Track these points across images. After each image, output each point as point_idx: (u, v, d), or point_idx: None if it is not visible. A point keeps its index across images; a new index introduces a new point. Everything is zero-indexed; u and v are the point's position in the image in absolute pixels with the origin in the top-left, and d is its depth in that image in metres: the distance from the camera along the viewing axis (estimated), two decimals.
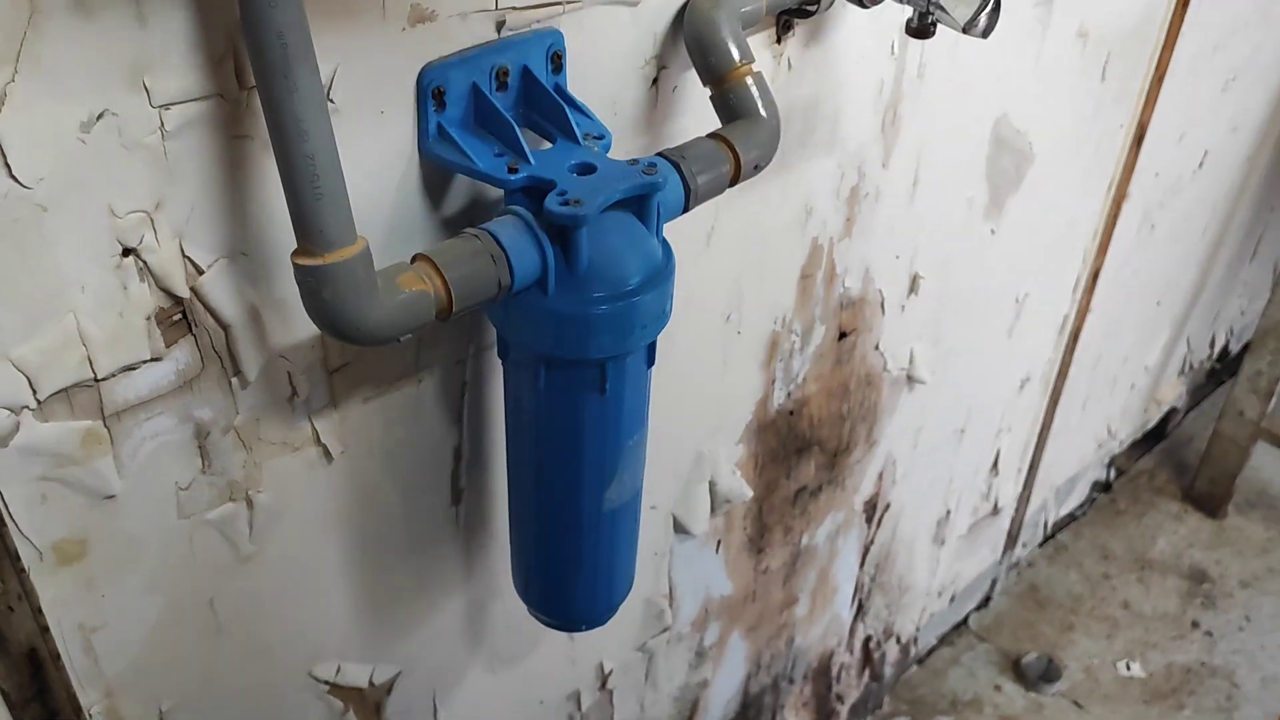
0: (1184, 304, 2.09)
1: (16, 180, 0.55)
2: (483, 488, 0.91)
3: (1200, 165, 1.76)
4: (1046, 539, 2.20)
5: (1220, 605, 2.10)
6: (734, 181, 0.78)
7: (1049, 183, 1.37)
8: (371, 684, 0.93)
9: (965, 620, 2.04)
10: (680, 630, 1.26)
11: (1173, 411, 2.41)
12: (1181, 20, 1.40)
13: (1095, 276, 1.66)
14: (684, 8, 0.79)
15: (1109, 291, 1.74)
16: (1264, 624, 2.07)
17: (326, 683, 0.89)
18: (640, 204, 0.71)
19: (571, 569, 0.84)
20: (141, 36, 0.56)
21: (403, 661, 0.94)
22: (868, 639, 1.71)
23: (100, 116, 0.56)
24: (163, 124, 0.58)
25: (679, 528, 1.15)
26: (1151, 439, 2.41)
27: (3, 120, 0.53)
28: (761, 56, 0.89)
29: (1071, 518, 2.26)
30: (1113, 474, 2.33)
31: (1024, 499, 1.95)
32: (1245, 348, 2.19)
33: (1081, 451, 2.09)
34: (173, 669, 0.77)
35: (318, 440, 0.76)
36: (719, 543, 1.23)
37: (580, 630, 0.90)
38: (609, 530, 0.82)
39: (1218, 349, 2.45)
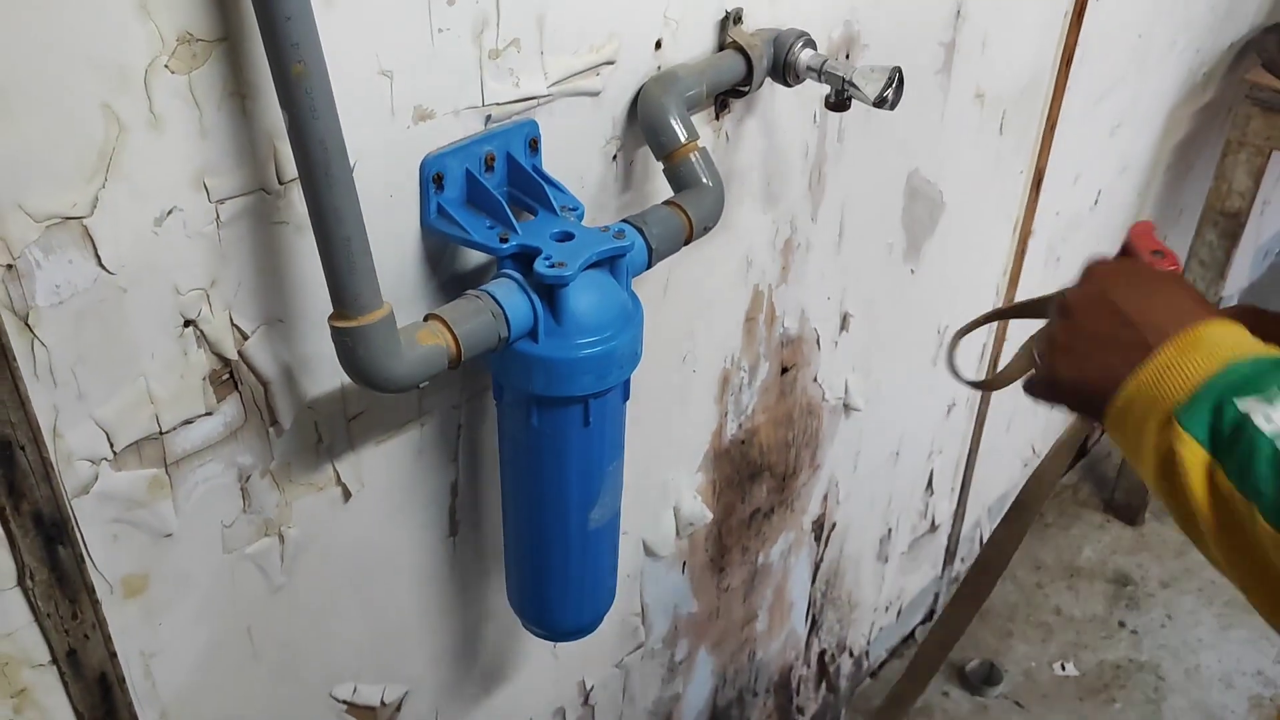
0: None
1: (104, 268, 0.66)
2: (476, 520, 1.02)
3: (1095, 203, 1.95)
4: None
5: (1144, 605, 2.27)
6: (688, 241, 0.91)
7: (960, 226, 1.53)
8: (383, 703, 1.03)
9: (913, 633, 2.17)
10: (653, 646, 1.37)
11: (1091, 429, 2.59)
12: (1066, 79, 1.58)
13: None
14: (637, 95, 0.93)
15: (1022, 320, 1.90)
16: (1184, 620, 2.23)
17: (345, 702, 0.99)
18: (613, 263, 0.84)
19: (562, 583, 0.95)
20: (203, 145, 0.67)
21: (410, 681, 1.04)
22: (822, 652, 1.84)
23: (170, 212, 0.68)
24: (218, 216, 0.70)
25: (648, 550, 1.27)
26: (1073, 455, 2.58)
27: (95, 220, 0.64)
28: (704, 131, 1.03)
29: None
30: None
31: (959, 516, 2.09)
32: None
33: (1009, 470, 2.25)
34: (216, 692, 0.87)
35: (338, 480, 0.87)
36: (684, 563, 1.35)
37: (571, 640, 1.01)
38: (594, 547, 0.94)
39: None
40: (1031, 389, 0.78)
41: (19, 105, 0.59)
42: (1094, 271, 0.75)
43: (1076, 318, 0.72)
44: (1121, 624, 2.23)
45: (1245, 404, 0.60)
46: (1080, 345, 0.71)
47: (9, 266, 0.62)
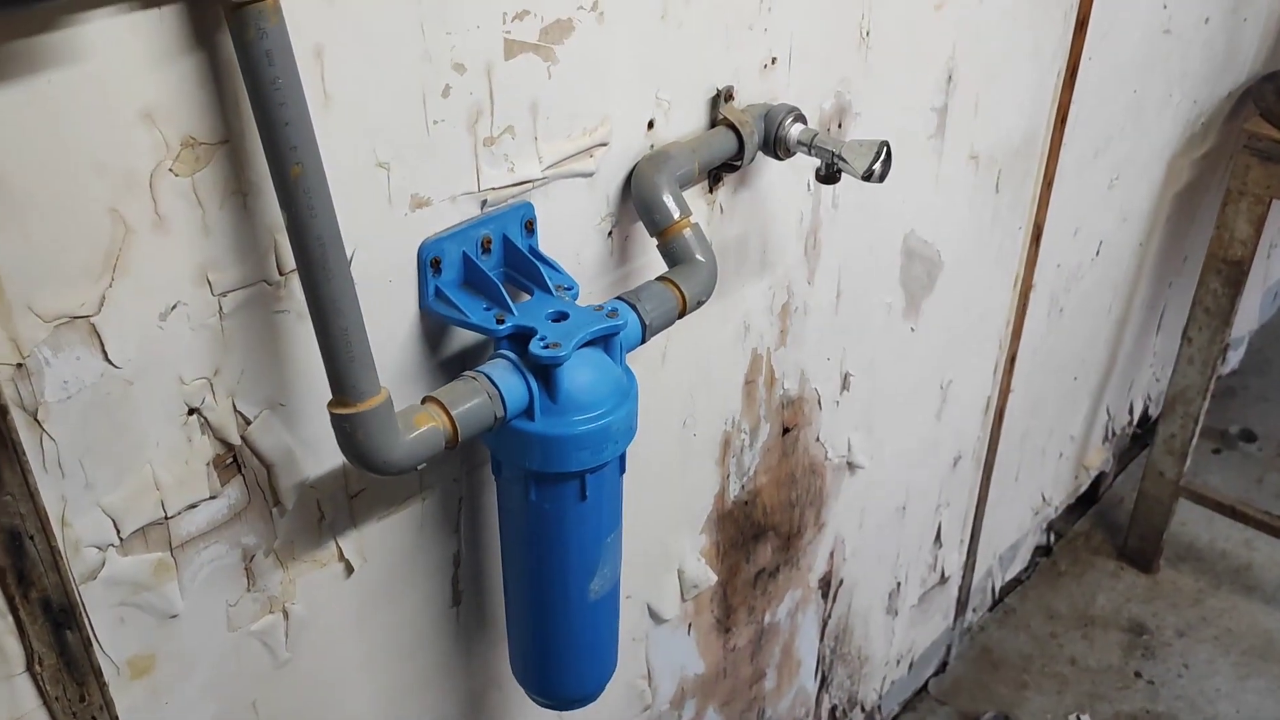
0: (1099, 377, 2.28)
1: (111, 363, 0.68)
2: (478, 589, 1.04)
3: (1097, 254, 1.96)
4: (995, 603, 2.34)
5: (1159, 655, 2.25)
6: (681, 315, 0.93)
7: (959, 283, 1.55)
8: None
9: (925, 686, 2.16)
10: (660, 709, 1.37)
11: (1102, 475, 2.58)
12: (1061, 136, 1.61)
13: (1012, 360, 1.84)
14: (631, 174, 0.96)
15: (1027, 371, 1.91)
16: (1201, 669, 2.21)
17: None
18: (606, 341, 0.86)
19: (563, 653, 0.96)
20: (206, 242, 0.70)
21: None
22: (834, 708, 1.83)
23: (174, 307, 0.70)
24: (221, 308, 0.73)
25: (653, 614, 1.28)
26: (1085, 502, 2.58)
27: (102, 317, 0.67)
28: (697, 205, 1.05)
29: (1017, 581, 2.40)
30: (1052, 538, 2.49)
31: (969, 567, 2.09)
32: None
33: (1020, 519, 2.25)
34: None
35: (341, 556, 0.89)
36: (689, 625, 1.36)
37: (575, 708, 1.02)
38: (594, 617, 0.95)
39: (1137, 415, 2.64)
40: None
41: (29, 210, 0.62)
42: None
43: None
44: (1138, 674, 2.21)
45: None
46: None
47: (19, 365, 0.64)
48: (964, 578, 2.10)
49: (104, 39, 0.61)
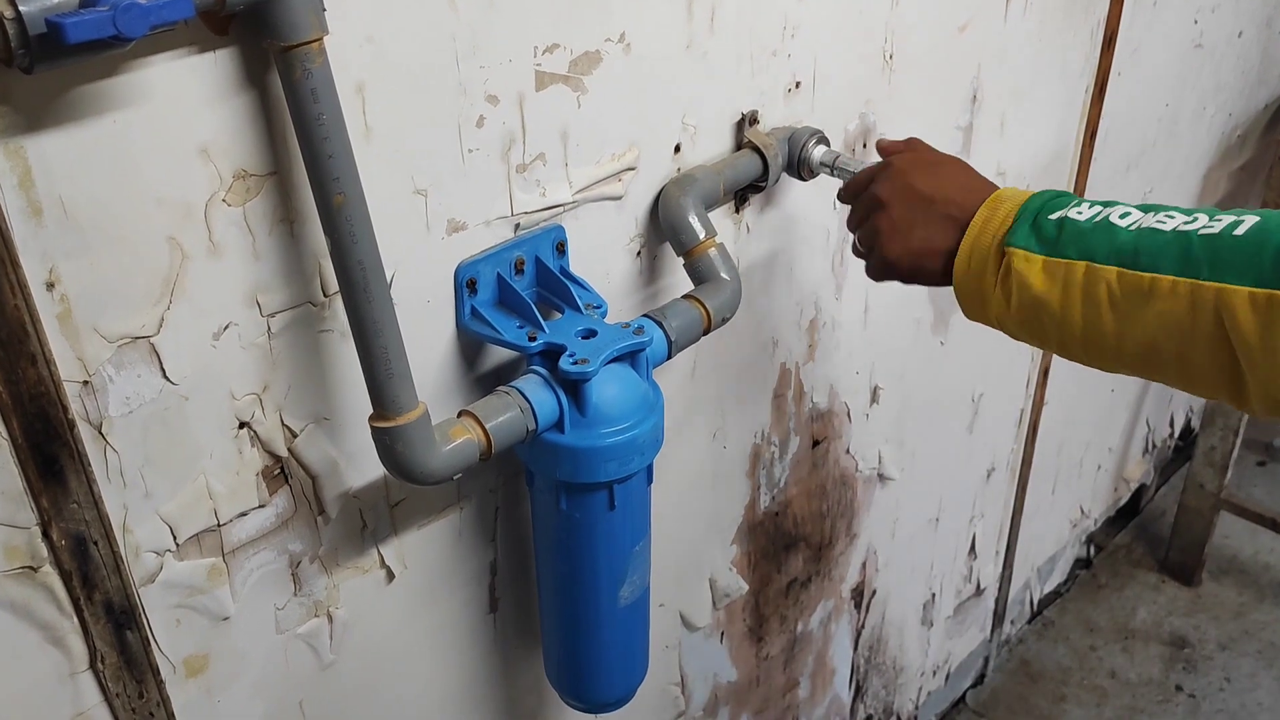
0: (1137, 389, 2.27)
1: (168, 379, 0.73)
2: (515, 596, 1.08)
3: None
4: (1034, 616, 2.34)
5: (1201, 669, 2.24)
6: (706, 332, 0.97)
7: None
8: None
9: (963, 697, 2.17)
10: (694, 715, 1.40)
11: (1143, 488, 2.57)
12: (1091, 151, 1.62)
13: (1046, 373, 1.85)
14: (658, 197, 1.00)
15: (1061, 384, 1.92)
16: (1243, 683, 2.20)
17: None
18: (633, 357, 0.90)
19: (594, 658, 1.00)
20: (256, 267, 0.75)
21: None
22: (869, 718, 1.85)
23: (226, 328, 0.75)
24: (269, 328, 0.78)
25: (685, 622, 1.32)
26: (1126, 515, 2.57)
27: (160, 338, 0.72)
28: (724, 224, 1.09)
29: (1056, 594, 2.40)
30: (1092, 550, 2.48)
31: (1005, 579, 2.10)
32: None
33: (1058, 531, 2.25)
34: None
35: (382, 563, 0.94)
36: (722, 633, 1.39)
37: (608, 711, 1.05)
38: (624, 623, 0.99)
39: (1179, 427, 2.63)
40: (871, 273, 0.93)
41: (96, 241, 0.67)
42: (892, 165, 0.90)
43: (891, 208, 0.88)
44: (1179, 688, 2.20)
45: (1055, 214, 0.78)
46: (901, 228, 0.87)
47: (85, 383, 0.69)
48: (1000, 589, 2.10)
49: (164, 81, 0.66)
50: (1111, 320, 0.75)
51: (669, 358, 0.94)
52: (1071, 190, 1.64)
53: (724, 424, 1.23)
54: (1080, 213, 0.78)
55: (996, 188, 0.86)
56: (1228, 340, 0.70)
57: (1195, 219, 0.74)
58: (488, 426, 0.83)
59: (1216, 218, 0.73)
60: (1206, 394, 0.76)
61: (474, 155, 0.84)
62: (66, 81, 0.62)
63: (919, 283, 0.89)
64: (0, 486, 0.68)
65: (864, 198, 0.92)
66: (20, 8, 0.54)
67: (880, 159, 0.94)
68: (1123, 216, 0.76)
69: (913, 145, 0.94)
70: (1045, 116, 1.50)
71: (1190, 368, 0.74)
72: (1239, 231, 0.71)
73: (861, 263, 0.95)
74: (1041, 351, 1.81)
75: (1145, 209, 0.77)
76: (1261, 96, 2.09)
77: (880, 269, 0.91)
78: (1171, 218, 0.74)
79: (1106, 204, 0.79)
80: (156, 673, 0.81)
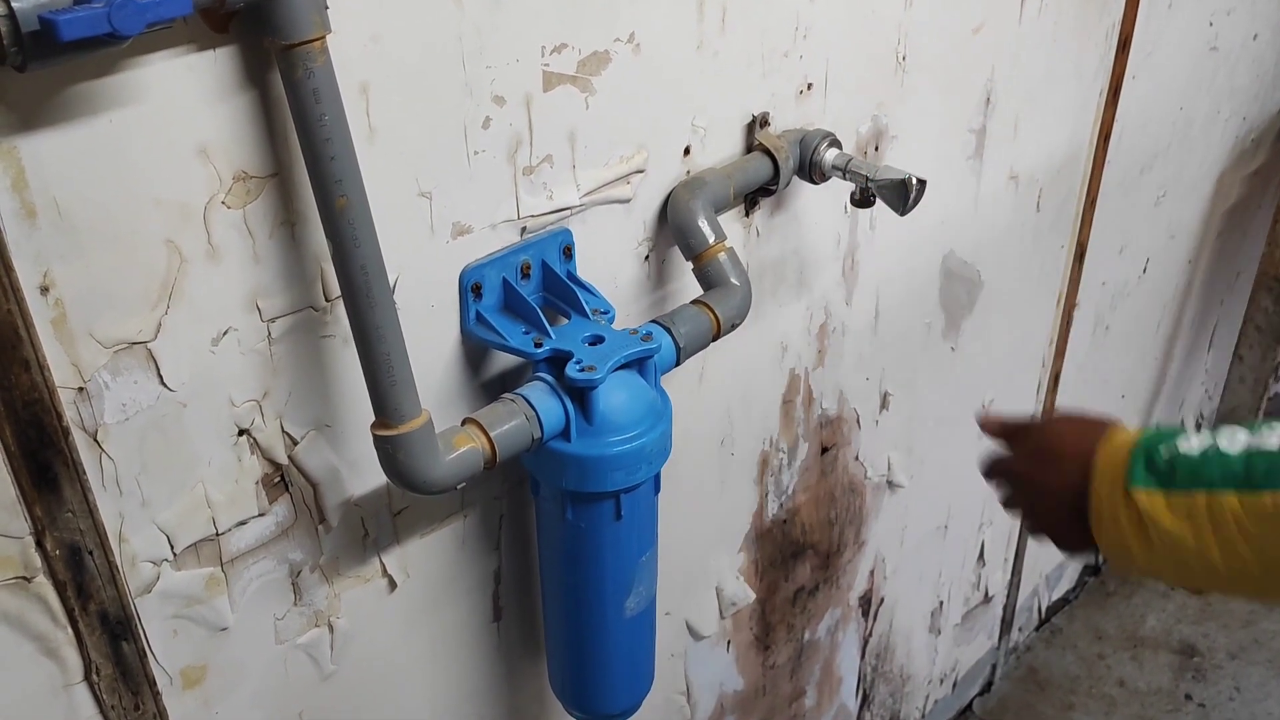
0: (1147, 395, 2.25)
1: (166, 386, 0.72)
2: (519, 605, 1.06)
3: (1144, 271, 1.95)
4: (1042, 623, 2.32)
5: (1210, 677, 2.21)
6: (716, 337, 0.95)
7: (1000, 302, 1.55)
8: None
9: (970, 705, 2.15)
10: None
11: None
12: (1105, 154, 1.60)
13: (1056, 378, 1.83)
14: (667, 200, 0.98)
15: (1072, 390, 1.90)
16: (1253, 693, 2.17)
17: None
18: (641, 364, 0.88)
19: (599, 669, 0.98)
20: (256, 271, 0.73)
21: None
22: None
23: (226, 333, 0.73)
24: (270, 333, 0.76)
25: (692, 631, 1.30)
26: None
27: (158, 343, 0.70)
28: (734, 228, 1.07)
29: (1065, 601, 2.38)
30: (1101, 558, 2.46)
31: (1014, 586, 2.07)
32: None
33: None
34: None
35: (384, 572, 0.92)
36: (728, 642, 1.37)
37: None
38: (630, 634, 0.97)
39: None
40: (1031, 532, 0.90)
41: (91, 243, 0.65)
42: (1013, 469, 0.89)
43: (1025, 514, 0.88)
44: (1188, 696, 2.18)
45: (1166, 449, 0.76)
46: (1042, 525, 0.85)
47: (80, 389, 0.68)
48: (1008, 597, 2.08)
49: (162, 80, 0.64)
50: (1246, 548, 0.72)
51: (678, 364, 0.93)
52: (1082, 194, 1.62)
53: (732, 430, 1.21)
54: (1190, 447, 0.75)
55: (1096, 452, 0.81)
56: None
57: None
58: (492, 435, 0.81)
59: None
60: None
61: (480, 157, 0.82)
62: (61, 80, 0.61)
63: (1078, 549, 0.86)
64: None
65: (1001, 491, 0.92)
66: (13, 4, 0.53)
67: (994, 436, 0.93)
68: (1230, 440, 0.74)
69: (1021, 437, 0.91)
70: (1059, 119, 1.48)
71: None
72: None
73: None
74: (1052, 355, 1.79)
75: (1250, 428, 0.75)
76: (1276, 100, 2.06)
77: (1033, 533, 0.89)
78: (1273, 430, 0.73)
79: (1215, 429, 0.77)
80: (153, 684, 0.79)
